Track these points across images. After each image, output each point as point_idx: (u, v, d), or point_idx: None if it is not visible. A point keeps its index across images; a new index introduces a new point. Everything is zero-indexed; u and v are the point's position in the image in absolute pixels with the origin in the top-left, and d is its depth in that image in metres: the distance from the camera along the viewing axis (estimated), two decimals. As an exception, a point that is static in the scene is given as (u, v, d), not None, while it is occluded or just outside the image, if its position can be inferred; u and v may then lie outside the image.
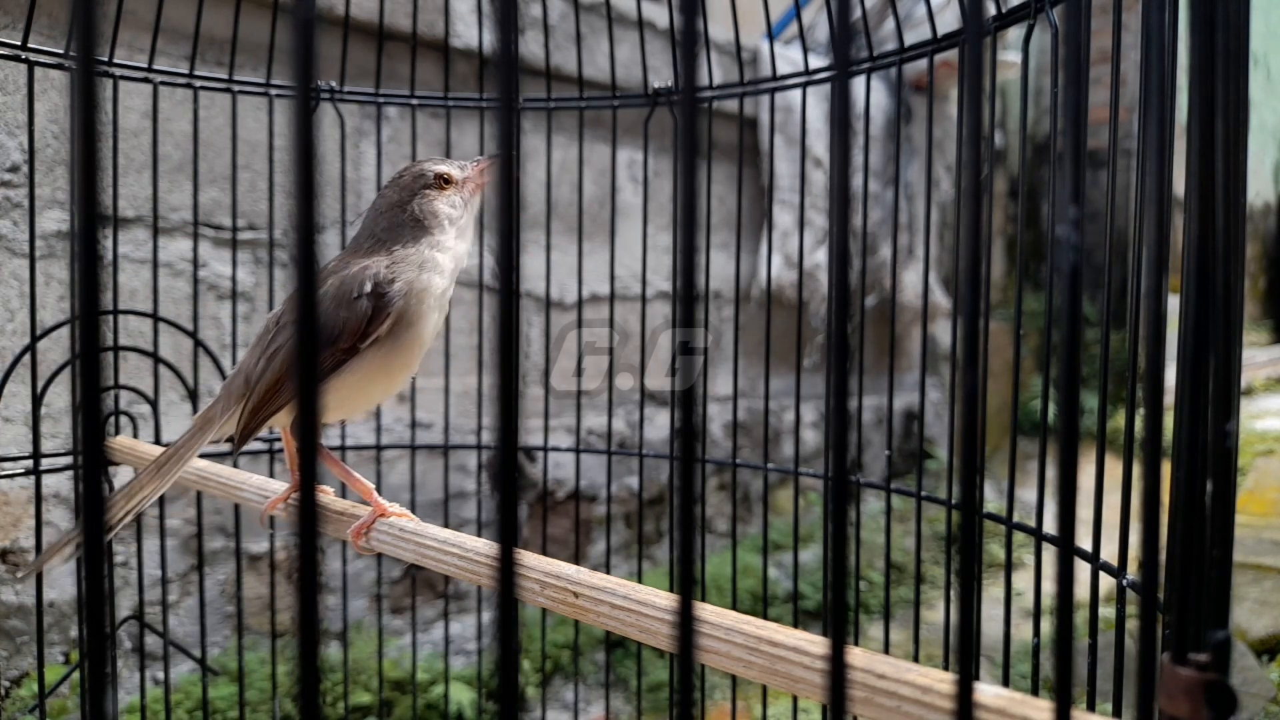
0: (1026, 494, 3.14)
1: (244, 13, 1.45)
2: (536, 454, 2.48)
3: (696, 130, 0.35)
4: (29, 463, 1.33)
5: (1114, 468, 0.96)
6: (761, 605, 1.34)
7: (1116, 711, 0.95)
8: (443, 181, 1.01)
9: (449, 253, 1.00)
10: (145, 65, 1.38)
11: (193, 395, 1.45)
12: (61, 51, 1.30)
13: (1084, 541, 1.00)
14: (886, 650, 1.02)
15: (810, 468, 2.45)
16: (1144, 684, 0.44)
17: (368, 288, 0.92)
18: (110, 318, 1.45)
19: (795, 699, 1.57)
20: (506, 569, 0.34)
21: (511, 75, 0.33)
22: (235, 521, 1.50)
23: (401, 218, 0.99)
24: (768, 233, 1.96)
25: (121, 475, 1.82)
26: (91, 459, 0.32)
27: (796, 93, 2.73)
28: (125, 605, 1.84)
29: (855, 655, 0.55)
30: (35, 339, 1.29)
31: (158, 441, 1.39)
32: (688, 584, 0.36)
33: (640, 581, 0.75)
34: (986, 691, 0.49)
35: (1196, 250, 0.53)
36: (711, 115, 1.48)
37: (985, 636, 2.22)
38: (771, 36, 1.38)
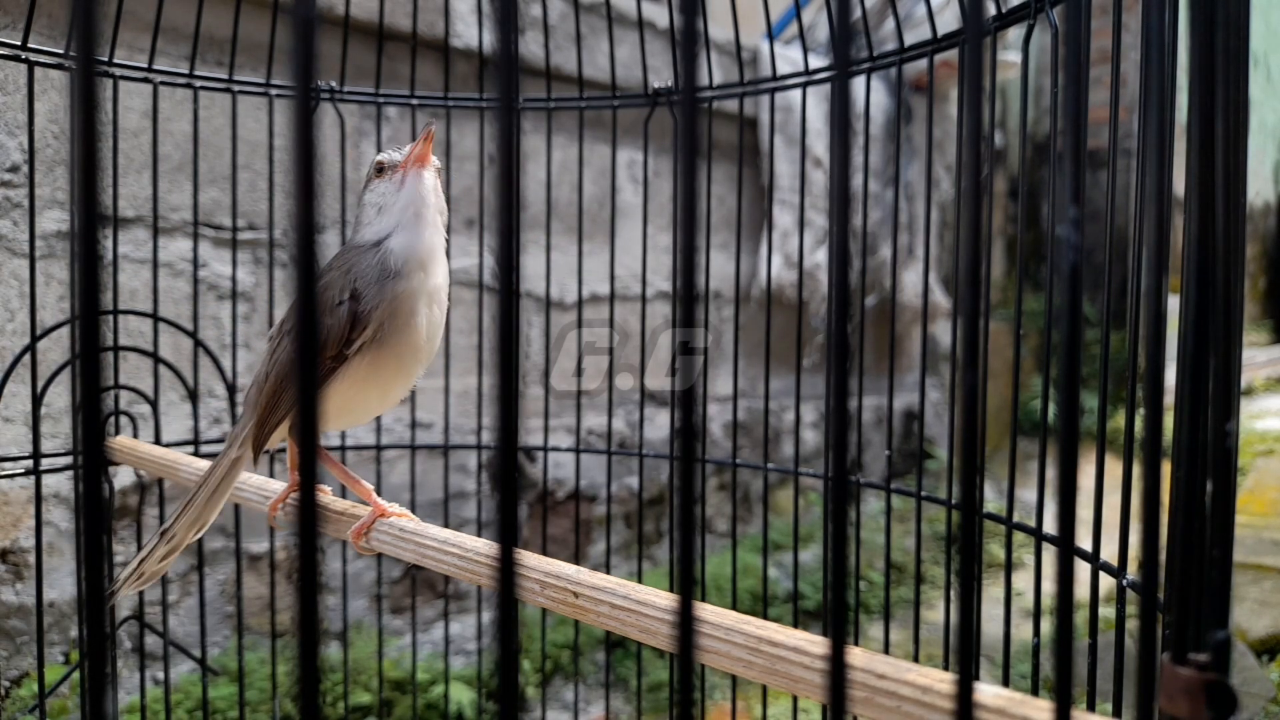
0: (1026, 494, 3.14)
1: (244, 13, 1.45)
2: (536, 454, 2.48)
3: (696, 130, 0.35)
4: (29, 463, 1.33)
5: (1114, 468, 0.96)
6: (761, 605, 1.34)
7: (1116, 711, 0.95)
8: (377, 170, 0.95)
9: (396, 248, 0.92)
10: (145, 65, 1.38)
11: (193, 395, 1.45)
12: (61, 51, 1.30)
13: (1084, 541, 1.00)
14: (886, 650, 1.02)
15: (810, 468, 2.45)
16: (1144, 684, 0.44)
17: (347, 294, 0.90)
18: (110, 318, 1.45)
19: (795, 699, 1.57)
20: (506, 569, 0.34)
21: (511, 75, 0.33)
22: (235, 521, 1.50)
23: (361, 216, 0.96)
24: (768, 233, 1.96)
25: (121, 475, 1.82)
26: (91, 459, 0.32)
27: (796, 93, 2.73)
28: (125, 605, 1.84)
29: (855, 655, 0.55)
30: (35, 339, 1.29)
31: (157, 441, 1.39)
32: (688, 584, 0.36)
33: (640, 581, 0.75)
34: (986, 691, 0.49)
35: (1196, 250, 0.53)
36: (711, 115, 1.48)
37: (985, 636, 2.22)
38: (771, 36, 1.38)
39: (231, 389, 1.50)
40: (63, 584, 1.80)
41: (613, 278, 1.57)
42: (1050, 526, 1.08)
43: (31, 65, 1.26)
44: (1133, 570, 0.95)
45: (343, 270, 0.93)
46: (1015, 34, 3.35)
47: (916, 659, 1.18)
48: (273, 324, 1.50)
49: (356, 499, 0.99)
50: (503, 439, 0.34)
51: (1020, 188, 1.25)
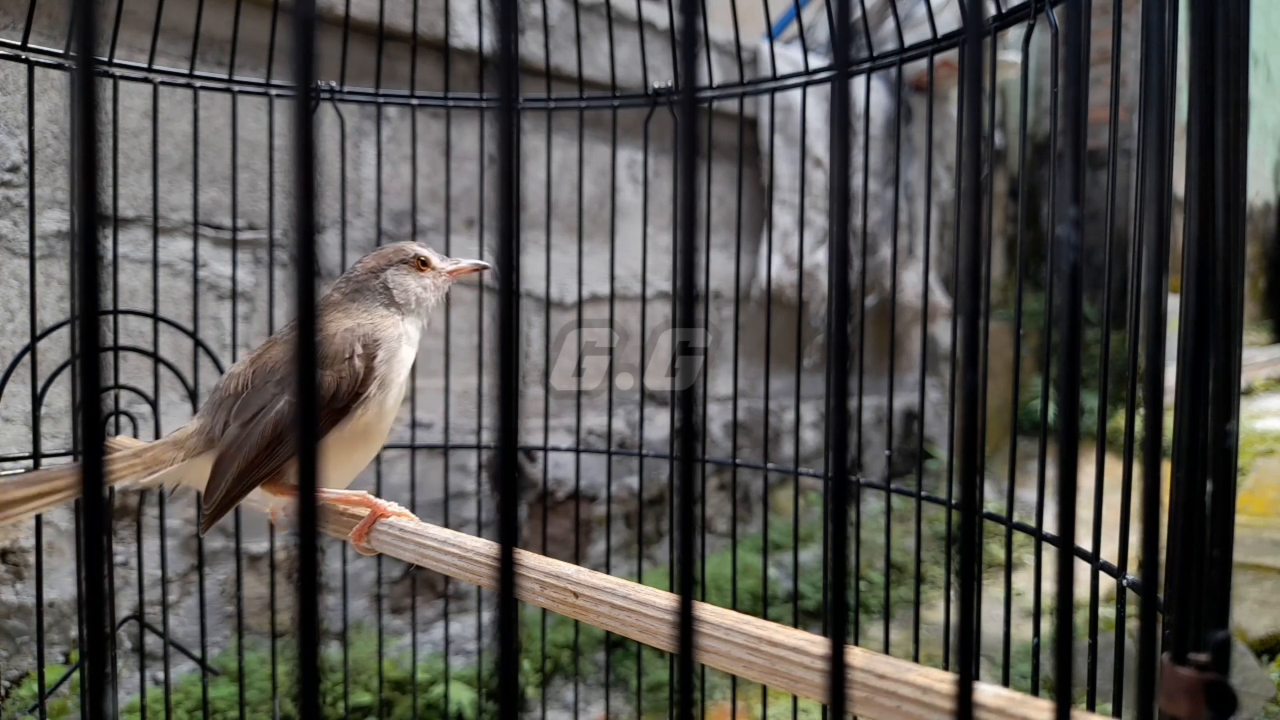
0: (1026, 494, 3.15)
1: (244, 13, 1.45)
2: (536, 454, 2.48)
3: (696, 130, 0.35)
4: (29, 463, 1.33)
5: (1114, 468, 0.96)
6: (761, 605, 1.34)
7: (1116, 711, 0.95)
8: (420, 263, 1.05)
9: (413, 329, 1.03)
10: (145, 65, 1.38)
11: (193, 395, 1.45)
12: (61, 51, 1.30)
13: (1084, 541, 1.00)
14: (886, 650, 1.02)
15: (810, 468, 2.45)
16: (1144, 684, 0.44)
17: (359, 349, 0.95)
18: (110, 318, 1.45)
19: (795, 699, 1.57)
20: (506, 569, 0.34)
21: (511, 75, 0.33)
22: (235, 521, 1.50)
23: (374, 284, 1.02)
24: (768, 233, 1.96)
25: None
26: (91, 459, 0.32)
27: (796, 93, 2.73)
28: (125, 605, 1.84)
29: (855, 655, 0.55)
30: (35, 339, 1.29)
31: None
32: (688, 584, 0.36)
33: (640, 581, 0.75)
34: (986, 691, 0.49)
35: (1196, 250, 0.53)
36: (711, 115, 1.48)
37: (985, 636, 2.22)
38: (771, 36, 1.38)
39: (231, 389, 1.49)
40: (63, 584, 1.79)
41: (613, 278, 1.57)
42: (1050, 526, 1.08)
43: (31, 65, 1.26)
44: (1133, 570, 0.95)
45: (352, 327, 0.97)
46: (1015, 34, 3.35)
47: (916, 659, 1.18)
48: (271, 329, 1.50)
49: (356, 499, 0.99)
50: (503, 439, 0.34)
51: (1020, 188, 1.25)
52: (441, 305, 1.10)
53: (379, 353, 0.95)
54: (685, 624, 0.35)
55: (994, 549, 3.14)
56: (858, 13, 1.56)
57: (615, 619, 0.71)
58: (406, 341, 1.01)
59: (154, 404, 1.42)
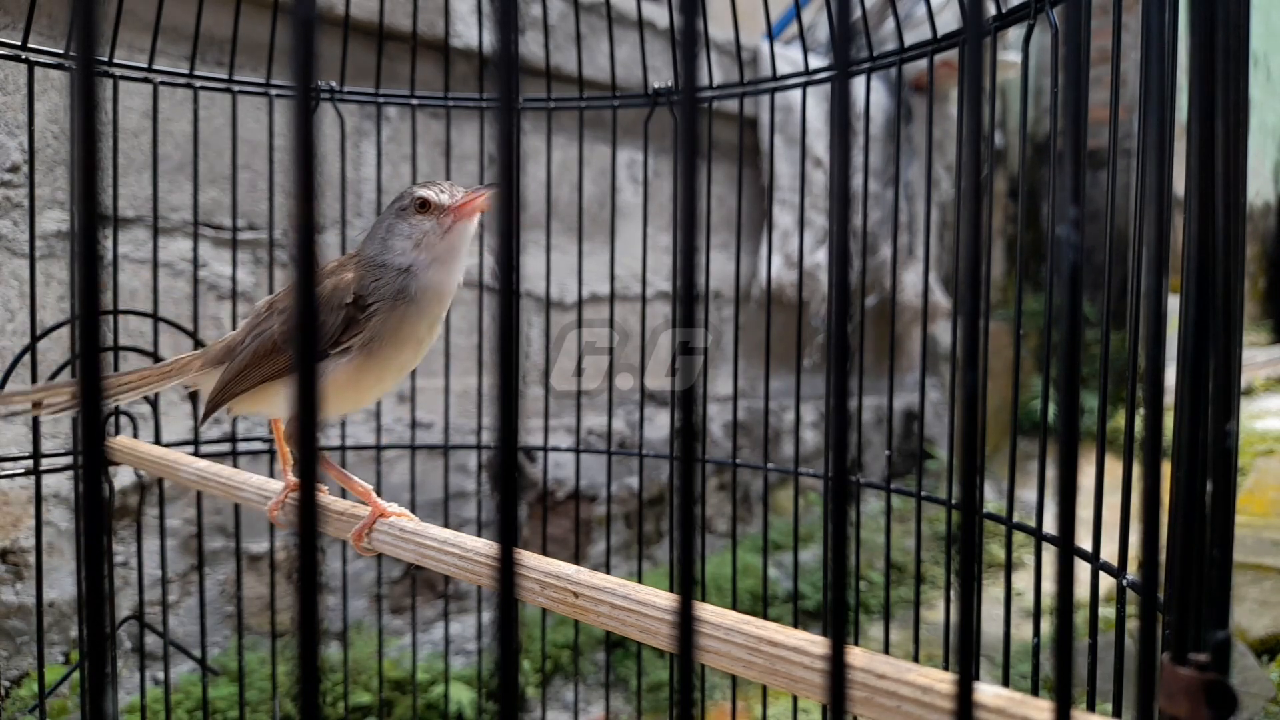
0: (1026, 494, 3.14)
1: (244, 13, 1.45)
2: (536, 454, 2.48)
3: (696, 130, 0.35)
4: (29, 463, 1.33)
5: (1114, 468, 0.96)
6: (761, 605, 1.34)
7: (1116, 711, 0.95)
8: (420, 206, 0.96)
9: (421, 279, 0.96)
10: (145, 65, 1.38)
11: (193, 395, 1.45)
12: (61, 51, 1.30)
13: (1084, 541, 1.00)
14: (886, 650, 1.02)
15: (810, 468, 2.45)
16: (1144, 684, 0.44)
17: (350, 298, 0.94)
18: (110, 318, 1.45)
19: (795, 699, 1.57)
20: (506, 569, 0.34)
21: (511, 75, 0.33)
22: (235, 521, 1.50)
23: (381, 236, 0.98)
24: (768, 233, 1.96)
25: (122, 475, 1.82)
26: (91, 459, 0.32)
27: (796, 93, 2.73)
28: (125, 605, 1.84)
29: (855, 655, 0.55)
30: (35, 339, 1.29)
31: (157, 441, 1.39)
32: (688, 584, 0.36)
33: (640, 581, 0.75)
34: (986, 691, 0.49)
35: (1196, 250, 0.53)
36: (711, 115, 1.48)
37: (985, 636, 2.22)
38: (771, 36, 1.38)
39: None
40: (63, 584, 1.79)
41: (613, 278, 1.57)
42: (1050, 526, 1.08)
43: (31, 65, 1.26)
44: (1133, 570, 0.95)
45: (355, 278, 0.95)
46: (1015, 34, 3.35)
47: (916, 659, 1.18)
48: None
49: (356, 499, 0.99)
50: (503, 439, 0.34)
51: (1020, 188, 1.25)
52: (467, 244, 0.98)
53: (368, 306, 0.93)
54: (685, 624, 0.35)
55: (994, 549, 3.14)
56: (858, 13, 1.56)
57: (615, 619, 0.71)
58: (406, 299, 0.94)
59: (154, 404, 1.42)
